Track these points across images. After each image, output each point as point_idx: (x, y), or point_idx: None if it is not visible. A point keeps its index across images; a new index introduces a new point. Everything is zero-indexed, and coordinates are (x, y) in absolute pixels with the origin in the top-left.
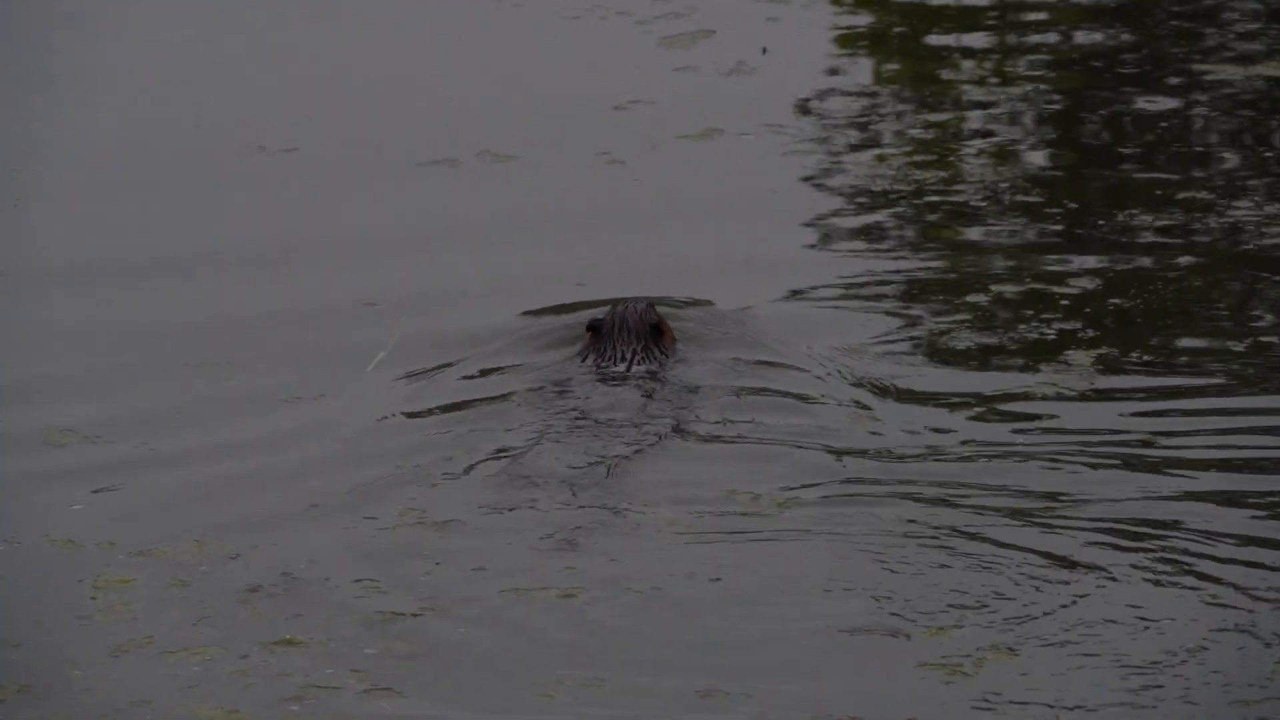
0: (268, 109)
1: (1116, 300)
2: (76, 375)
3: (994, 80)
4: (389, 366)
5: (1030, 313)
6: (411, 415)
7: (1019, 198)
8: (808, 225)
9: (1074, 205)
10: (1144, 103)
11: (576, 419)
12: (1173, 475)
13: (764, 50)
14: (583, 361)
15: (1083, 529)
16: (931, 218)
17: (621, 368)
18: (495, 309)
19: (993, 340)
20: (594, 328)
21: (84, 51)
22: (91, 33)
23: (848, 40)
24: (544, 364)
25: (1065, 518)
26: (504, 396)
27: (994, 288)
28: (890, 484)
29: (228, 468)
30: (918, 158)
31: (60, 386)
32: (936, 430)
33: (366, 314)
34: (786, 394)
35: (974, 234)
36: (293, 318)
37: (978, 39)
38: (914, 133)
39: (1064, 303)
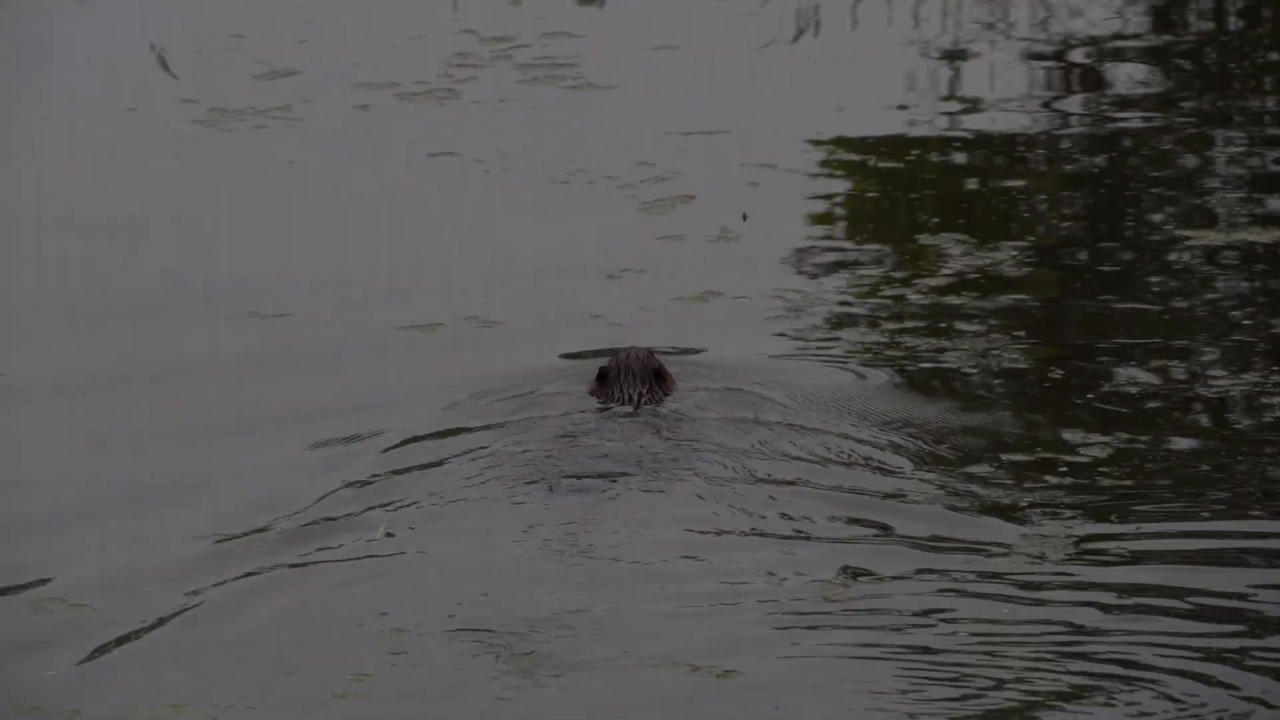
0: (260, 273)
1: (1106, 468)
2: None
3: (979, 244)
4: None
5: (1011, 481)
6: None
7: (1008, 364)
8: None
9: (1059, 368)
10: (1128, 267)
11: (596, 453)
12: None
13: (745, 217)
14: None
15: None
16: (924, 380)
17: (629, 408)
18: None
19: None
20: (602, 374)
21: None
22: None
23: (826, 210)
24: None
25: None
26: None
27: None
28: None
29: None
30: (909, 323)
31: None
32: None
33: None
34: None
35: (965, 398)
36: (289, 476)
37: (961, 202)
38: (907, 297)
39: (1049, 473)
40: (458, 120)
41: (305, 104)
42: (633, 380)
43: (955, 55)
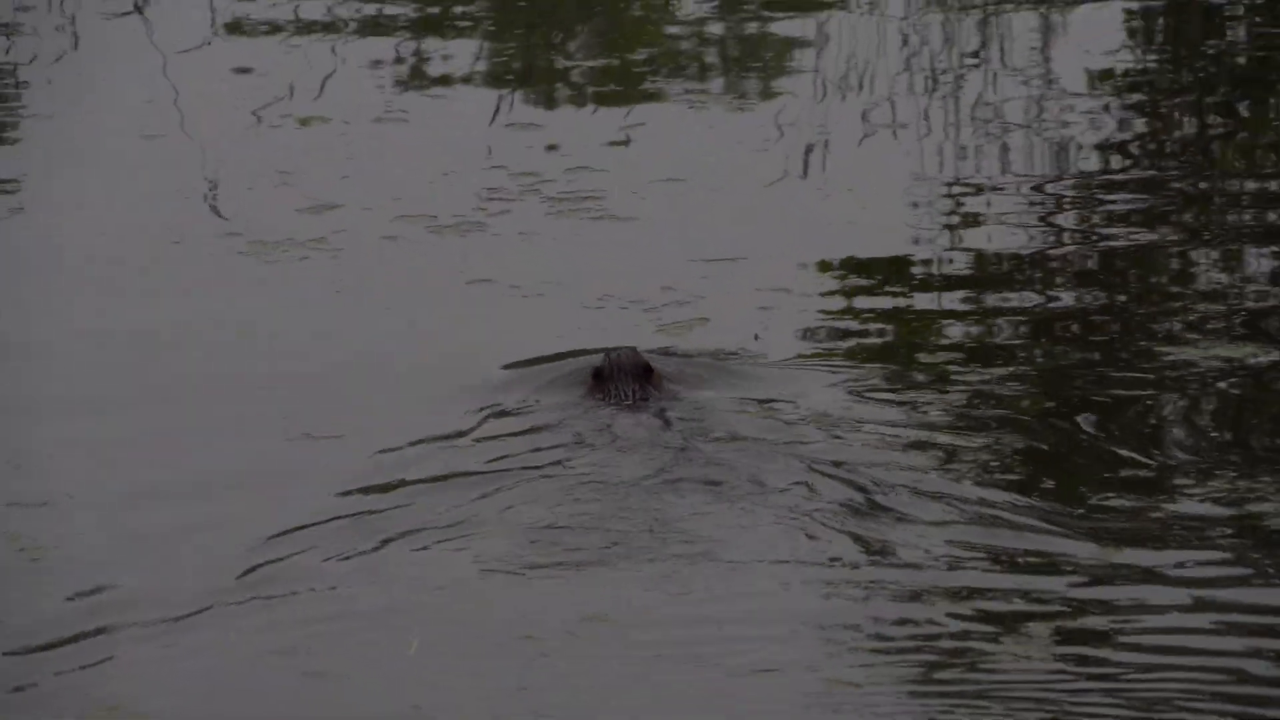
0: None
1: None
2: None
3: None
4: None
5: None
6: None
7: (1004, 475)
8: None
9: (1050, 478)
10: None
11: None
12: None
13: (756, 337)
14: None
15: None
16: (934, 504)
17: (627, 403)
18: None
19: None
20: (596, 373)
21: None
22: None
23: (832, 329)
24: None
25: None
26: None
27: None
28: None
29: None
30: (907, 433)
31: None
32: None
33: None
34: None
35: (966, 519)
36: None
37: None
38: (906, 417)
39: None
40: (492, 249)
41: (346, 235)
42: (625, 378)
43: (954, 183)
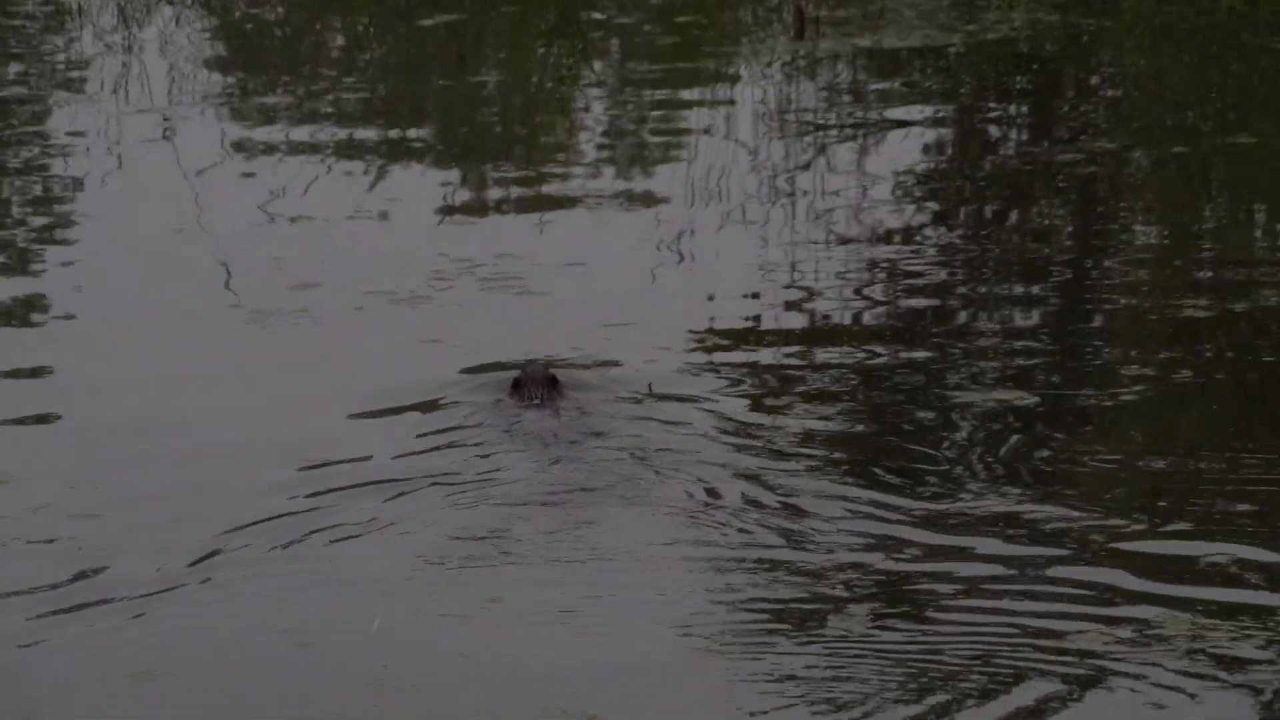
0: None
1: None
2: None
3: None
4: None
5: None
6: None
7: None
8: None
9: (866, 484)
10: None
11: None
12: None
13: (649, 386)
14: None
15: None
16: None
17: (536, 403)
18: None
19: None
20: (515, 381)
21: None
22: None
23: (705, 376)
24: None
25: None
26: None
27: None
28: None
29: None
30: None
31: None
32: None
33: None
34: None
35: (815, 513)
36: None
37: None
38: (760, 440)
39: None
40: (439, 317)
41: (325, 306)
42: (535, 386)
43: (792, 266)
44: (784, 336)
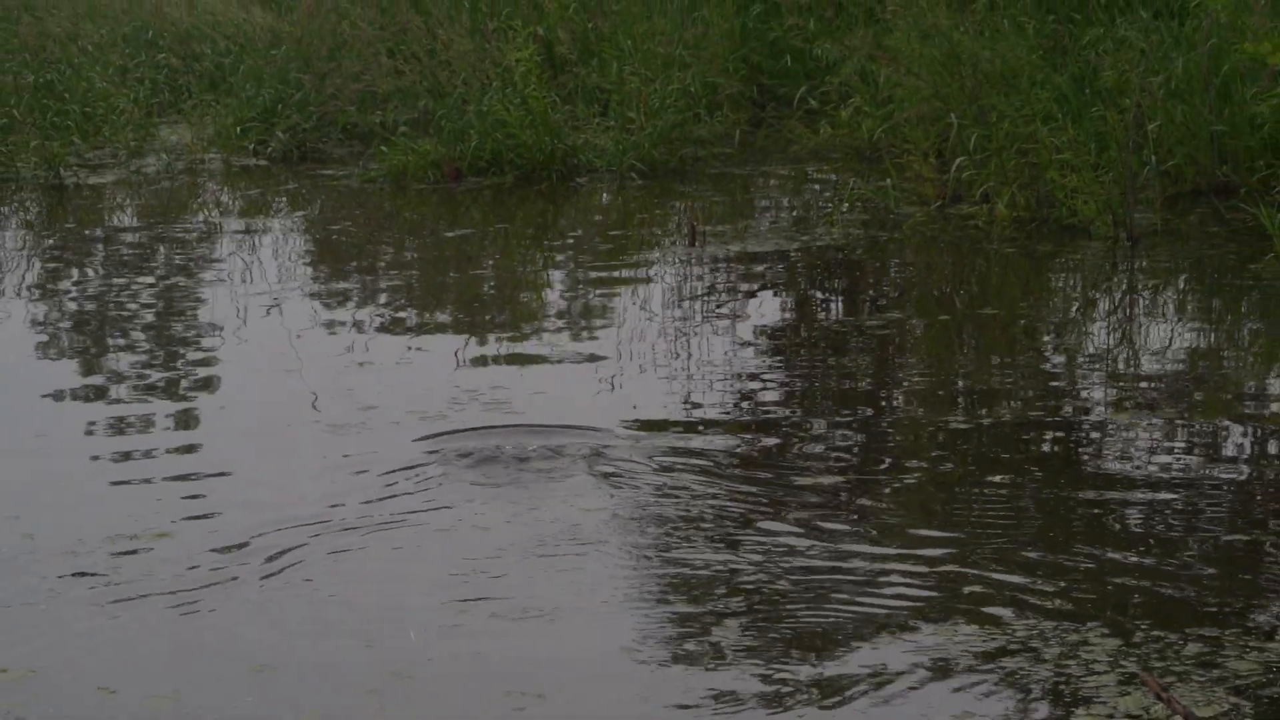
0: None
1: None
2: None
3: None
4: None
5: None
6: None
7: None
8: None
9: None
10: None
11: None
12: None
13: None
14: None
15: None
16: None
17: None
18: None
19: None
20: None
21: None
22: None
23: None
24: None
25: None
26: None
27: None
28: None
29: None
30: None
31: None
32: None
33: None
34: None
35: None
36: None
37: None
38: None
39: None
40: (450, 425)
41: (379, 419)
42: None
43: (685, 400)
44: (705, 425)
